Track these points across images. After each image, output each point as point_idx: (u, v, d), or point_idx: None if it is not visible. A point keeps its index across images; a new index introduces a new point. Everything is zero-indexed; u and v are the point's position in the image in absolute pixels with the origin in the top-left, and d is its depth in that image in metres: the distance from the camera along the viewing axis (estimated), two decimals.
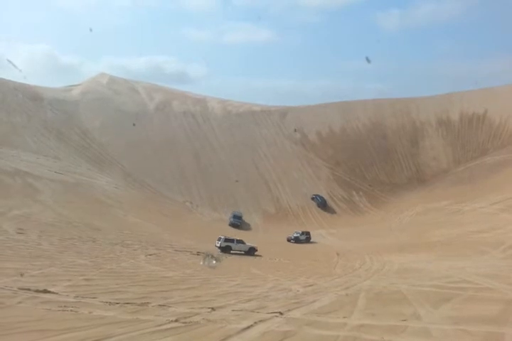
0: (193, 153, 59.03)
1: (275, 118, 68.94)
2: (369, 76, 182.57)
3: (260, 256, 29.28)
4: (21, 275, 11.73)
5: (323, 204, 53.29)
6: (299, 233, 41.16)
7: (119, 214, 32.84)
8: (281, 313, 9.71)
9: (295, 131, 65.83)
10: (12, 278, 10.37)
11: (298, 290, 13.95)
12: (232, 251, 29.52)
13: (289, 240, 40.09)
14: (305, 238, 40.36)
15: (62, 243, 19.96)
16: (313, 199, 53.84)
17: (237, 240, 30.25)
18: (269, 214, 52.42)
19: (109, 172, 48.30)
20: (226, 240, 29.83)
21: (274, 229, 46.84)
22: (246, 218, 49.13)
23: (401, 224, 47.24)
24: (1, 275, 10.53)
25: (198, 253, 25.28)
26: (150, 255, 21.32)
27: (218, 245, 29.72)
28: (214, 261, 23.48)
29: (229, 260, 25.09)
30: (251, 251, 29.85)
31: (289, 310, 10.17)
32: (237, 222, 44.50)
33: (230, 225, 44.04)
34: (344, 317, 9.65)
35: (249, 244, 30.55)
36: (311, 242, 40.03)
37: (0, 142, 41.16)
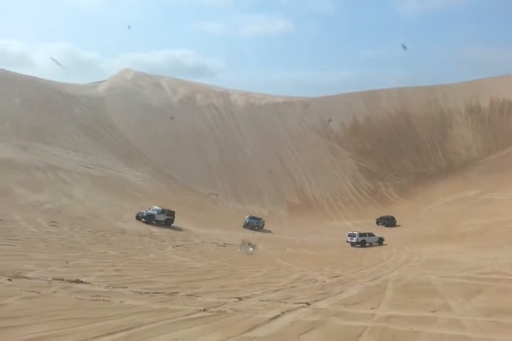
0: (217, 146, 59.42)
1: (298, 109, 68.38)
2: (390, 64, 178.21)
3: (386, 245, 31.22)
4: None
5: (392, 223, 44.89)
6: (156, 210, 30.40)
7: (146, 206, 33.51)
8: (308, 304, 9.71)
9: (329, 121, 64.51)
10: (47, 269, 10.78)
11: (324, 281, 13.91)
12: (366, 244, 31.36)
13: (139, 218, 29.81)
14: (165, 219, 30.56)
15: (92, 235, 20.58)
16: (378, 223, 45.28)
17: (368, 234, 32.24)
18: (294, 206, 52.37)
19: (136, 166, 49.28)
20: (361, 235, 31.77)
21: (299, 220, 46.78)
22: (271, 209, 49.24)
23: (430, 214, 46.28)
24: (36, 266, 10.96)
25: (224, 245, 25.56)
26: (177, 246, 21.71)
27: (355, 240, 31.40)
28: (251, 248, 23.88)
29: (254, 251, 25.24)
30: (380, 241, 31.99)
31: (316, 301, 10.17)
32: (254, 223, 38.67)
33: (245, 227, 38.02)
34: (372, 308, 9.57)
35: (377, 235, 32.58)
36: (174, 228, 30.54)
37: (32, 138, 42.59)
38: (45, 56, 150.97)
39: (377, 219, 45.72)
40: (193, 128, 60.55)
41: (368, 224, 44.10)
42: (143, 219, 29.84)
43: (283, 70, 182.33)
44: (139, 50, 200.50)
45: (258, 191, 53.80)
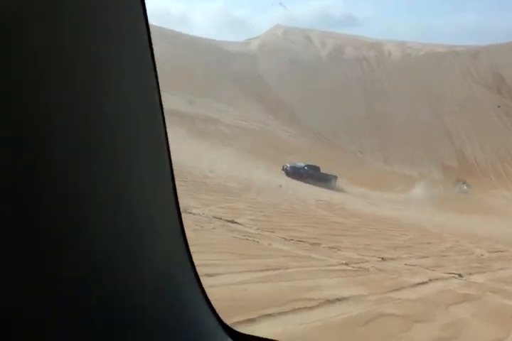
0: (366, 101, 56.64)
1: (463, 60, 59.47)
2: None
3: None
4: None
5: None
6: None
7: (293, 161, 34.63)
8: (460, 275, 8.97)
9: None
10: (208, 208, 12.22)
11: (482, 255, 12.59)
12: None
13: None
14: None
15: (246, 182, 22.43)
16: None
17: None
18: (450, 170, 47.53)
19: (284, 121, 50.76)
20: None
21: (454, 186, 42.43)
22: (422, 171, 45.68)
23: None
24: (200, 204, 12.50)
25: (368, 203, 25.09)
26: (320, 201, 22.14)
27: None
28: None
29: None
30: None
31: (470, 274, 9.32)
32: (289, 169, 31.29)
33: (286, 174, 31.23)
34: None
35: None
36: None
37: (197, 93, 47.26)
38: (202, 15, 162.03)
39: None
40: (342, 82, 58.51)
41: None
42: None
43: (443, 14, 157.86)
44: (287, 4, 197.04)
45: (409, 151, 50.15)
